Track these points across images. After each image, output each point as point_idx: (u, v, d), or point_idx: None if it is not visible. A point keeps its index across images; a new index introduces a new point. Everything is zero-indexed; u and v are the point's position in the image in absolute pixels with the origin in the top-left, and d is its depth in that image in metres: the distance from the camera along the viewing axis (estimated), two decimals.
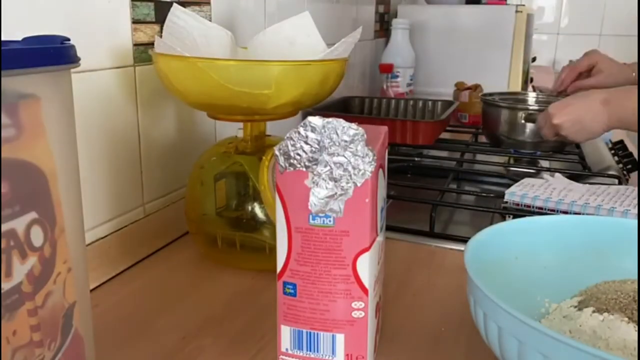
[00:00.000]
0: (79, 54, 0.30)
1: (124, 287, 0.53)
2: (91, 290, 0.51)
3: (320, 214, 0.35)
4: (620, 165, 0.91)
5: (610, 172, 0.82)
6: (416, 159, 0.95)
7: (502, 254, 0.43)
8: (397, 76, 1.29)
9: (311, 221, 0.36)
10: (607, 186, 0.69)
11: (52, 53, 0.27)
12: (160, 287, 0.53)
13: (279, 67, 0.49)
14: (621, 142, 1.04)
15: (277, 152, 0.36)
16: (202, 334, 0.45)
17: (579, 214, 0.62)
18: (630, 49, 2.38)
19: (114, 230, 0.55)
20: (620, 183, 0.77)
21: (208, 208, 0.56)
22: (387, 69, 1.23)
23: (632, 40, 2.38)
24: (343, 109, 1.09)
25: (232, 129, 0.58)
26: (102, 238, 0.54)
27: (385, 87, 1.24)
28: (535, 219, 0.46)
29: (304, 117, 0.36)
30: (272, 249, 0.53)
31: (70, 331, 0.31)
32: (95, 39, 0.51)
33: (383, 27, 1.44)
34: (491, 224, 0.69)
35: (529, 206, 0.65)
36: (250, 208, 0.54)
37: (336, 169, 0.34)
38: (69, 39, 0.30)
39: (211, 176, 0.55)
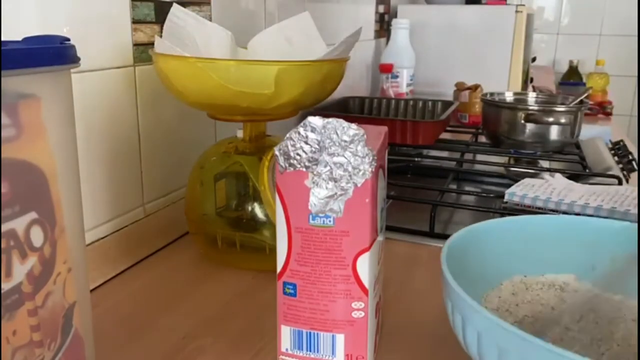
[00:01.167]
0: (78, 54, 0.30)
1: (124, 287, 0.53)
2: (91, 291, 0.51)
3: (320, 214, 0.35)
4: (620, 166, 0.91)
5: (611, 173, 0.82)
6: (416, 159, 0.95)
7: (480, 254, 0.43)
8: (397, 76, 1.29)
9: (311, 221, 0.36)
10: (607, 186, 0.69)
11: (52, 53, 0.27)
12: (160, 287, 0.53)
13: (279, 67, 0.49)
14: (621, 142, 1.04)
15: (277, 152, 0.36)
16: (202, 334, 0.45)
17: (579, 214, 0.62)
18: (630, 49, 2.39)
19: (114, 230, 0.55)
20: (620, 183, 0.77)
21: (208, 208, 0.56)
22: (387, 69, 1.23)
23: (632, 40, 2.39)
24: (343, 109, 1.09)
25: (232, 129, 0.58)
26: (102, 238, 0.54)
27: (385, 87, 1.24)
28: (513, 219, 0.46)
29: (304, 117, 0.36)
30: (272, 249, 0.53)
31: (70, 331, 0.31)
32: (95, 39, 0.51)
33: (383, 27, 1.44)
34: None
35: (529, 206, 0.65)
36: (250, 208, 0.54)
37: (336, 169, 0.34)
38: (68, 39, 0.30)
39: (211, 176, 0.55)
